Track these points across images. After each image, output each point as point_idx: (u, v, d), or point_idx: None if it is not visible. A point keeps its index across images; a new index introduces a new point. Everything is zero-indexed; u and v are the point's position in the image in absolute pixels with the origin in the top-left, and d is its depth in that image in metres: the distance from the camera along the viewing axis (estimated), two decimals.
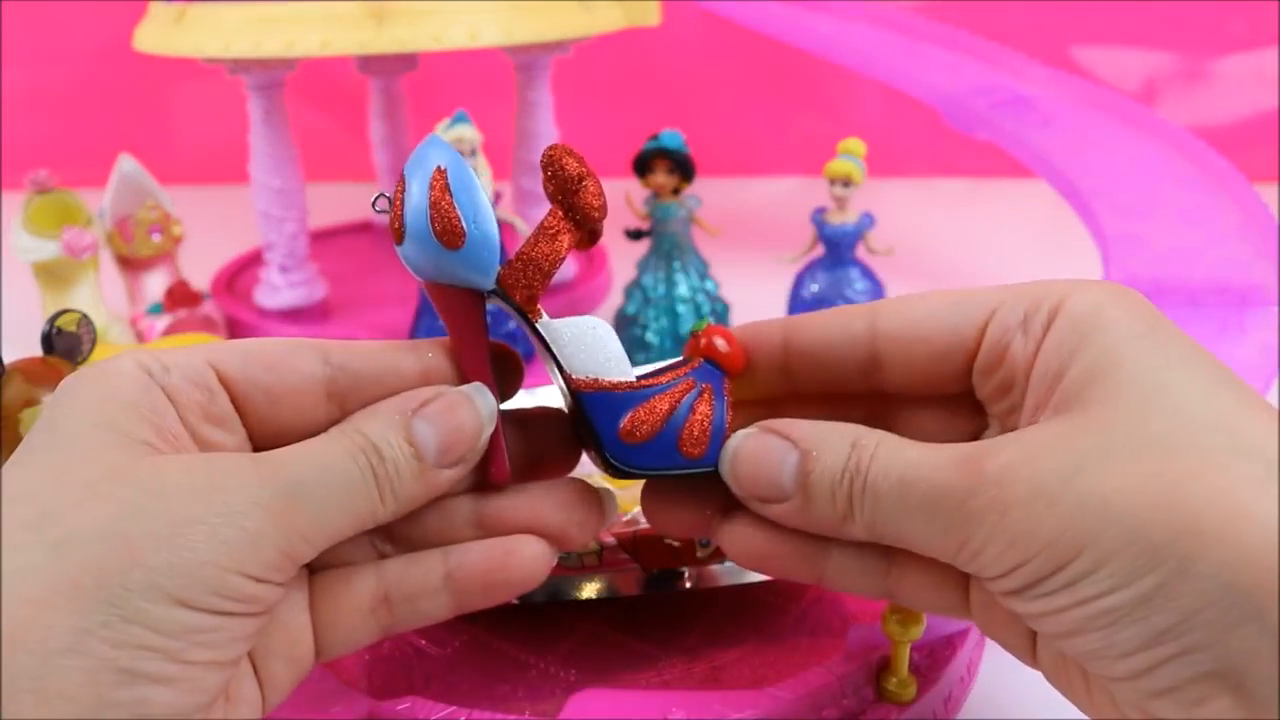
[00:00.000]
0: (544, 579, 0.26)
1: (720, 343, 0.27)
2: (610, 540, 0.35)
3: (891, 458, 0.23)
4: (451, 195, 0.24)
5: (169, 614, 0.20)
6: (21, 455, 0.22)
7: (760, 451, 0.24)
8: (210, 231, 0.80)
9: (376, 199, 0.25)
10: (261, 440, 0.25)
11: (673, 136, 0.62)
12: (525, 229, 0.67)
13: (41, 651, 0.19)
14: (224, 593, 0.21)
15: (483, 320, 0.25)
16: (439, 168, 0.24)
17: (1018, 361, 0.24)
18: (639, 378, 0.26)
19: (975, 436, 0.26)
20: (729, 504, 0.26)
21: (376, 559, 0.26)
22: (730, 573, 0.36)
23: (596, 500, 0.26)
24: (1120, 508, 0.20)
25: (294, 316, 0.71)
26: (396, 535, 0.26)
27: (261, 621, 0.22)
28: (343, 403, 0.25)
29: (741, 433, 0.25)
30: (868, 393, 0.27)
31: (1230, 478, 0.19)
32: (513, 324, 0.63)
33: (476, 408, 0.24)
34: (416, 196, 0.24)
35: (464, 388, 0.25)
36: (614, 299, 0.75)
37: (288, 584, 0.23)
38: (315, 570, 0.25)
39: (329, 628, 0.25)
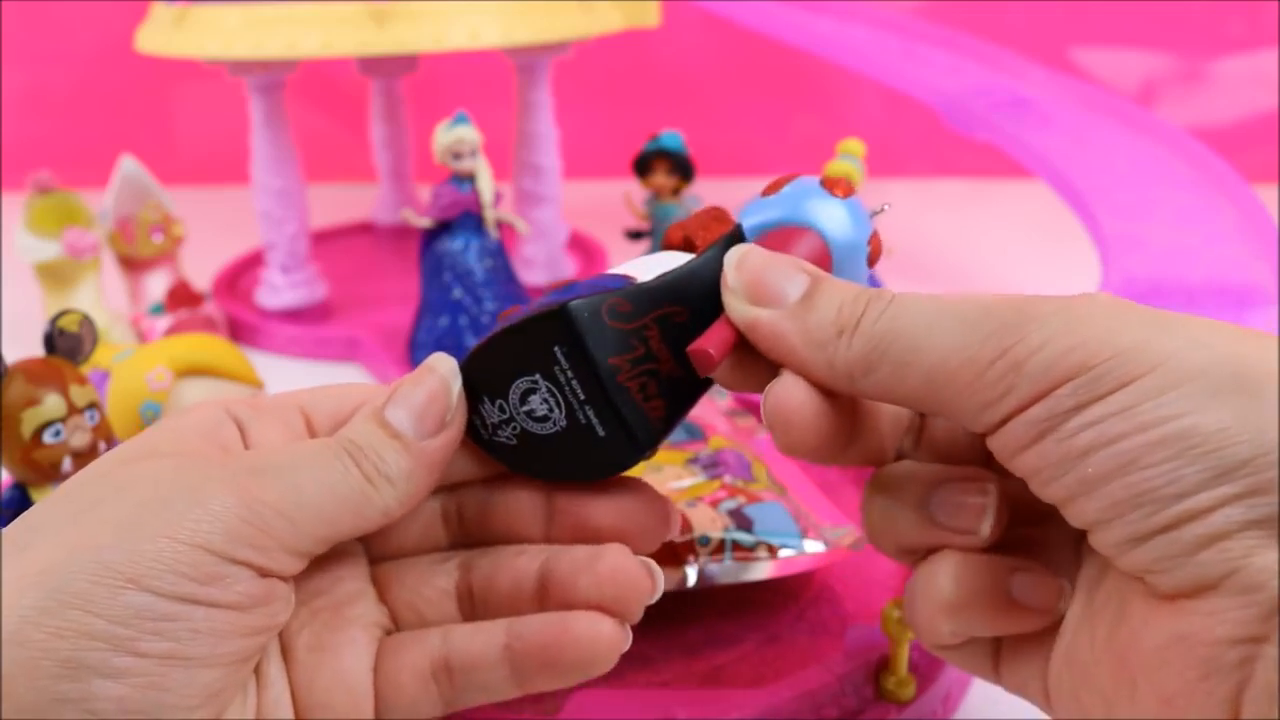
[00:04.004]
0: (612, 664, 0.23)
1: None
2: None
3: (901, 295, 0.21)
4: None
5: (116, 595, 0.19)
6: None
7: (773, 258, 0.23)
8: (211, 232, 0.81)
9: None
10: None
11: (672, 137, 0.62)
12: (526, 229, 0.67)
13: None
14: (176, 568, 0.19)
15: None
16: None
17: None
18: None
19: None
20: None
21: (453, 617, 0.25)
22: (730, 572, 0.36)
23: (664, 507, 0.25)
24: (1204, 336, 0.18)
25: (295, 316, 0.71)
26: (471, 534, 0.26)
27: (241, 618, 0.21)
28: None
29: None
30: None
31: None
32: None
33: (435, 369, 0.24)
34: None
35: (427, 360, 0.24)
36: None
37: (274, 576, 0.21)
38: (389, 631, 0.25)
39: (391, 688, 0.23)
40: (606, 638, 0.22)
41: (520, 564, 0.24)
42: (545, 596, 0.23)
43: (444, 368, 0.24)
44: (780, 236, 0.24)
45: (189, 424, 0.23)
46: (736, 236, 0.24)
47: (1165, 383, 0.18)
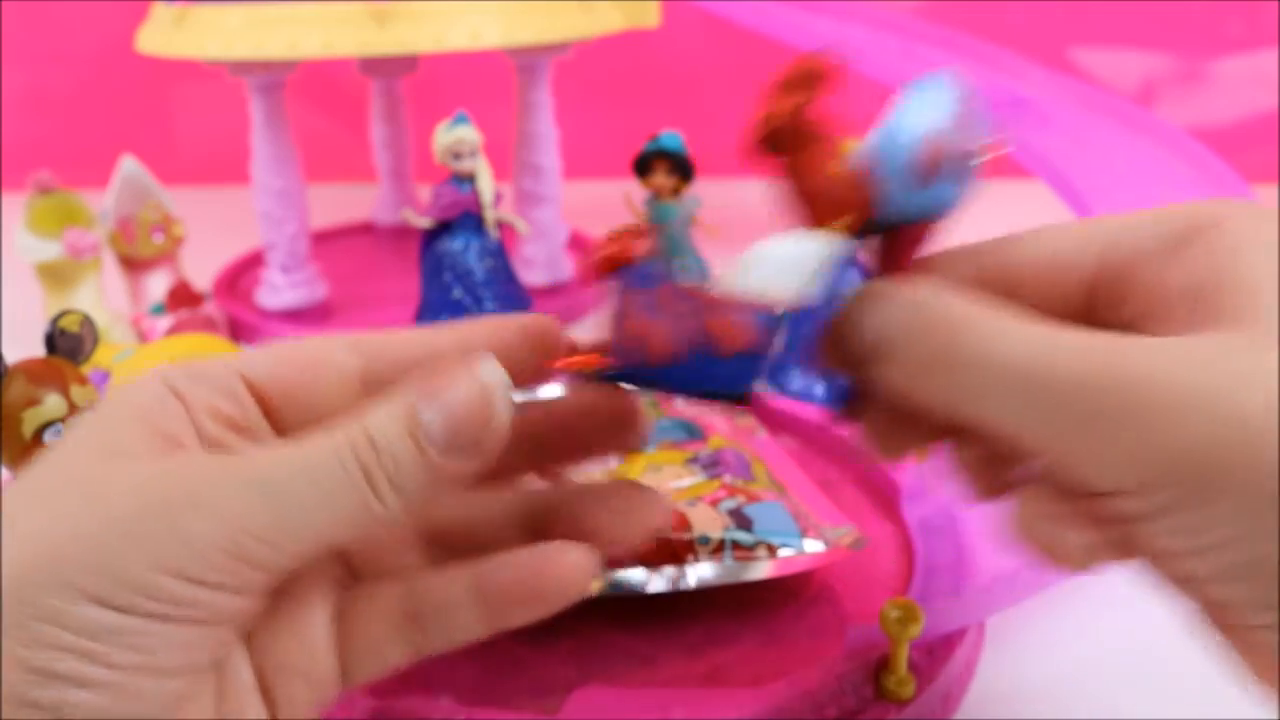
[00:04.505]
0: (586, 592, 0.23)
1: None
2: None
3: (991, 323, 0.21)
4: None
5: (84, 613, 0.19)
6: (19, 477, 0.21)
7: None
8: (212, 232, 0.80)
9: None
10: None
11: (672, 137, 0.62)
12: (526, 229, 0.67)
13: None
14: (149, 593, 0.19)
15: None
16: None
17: (1151, 274, 0.22)
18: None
19: None
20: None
21: (418, 564, 0.24)
22: (730, 572, 0.36)
23: (652, 499, 0.24)
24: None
25: (295, 317, 0.71)
26: (446, 541, 0.25)
27: (214, 631, 0.20)
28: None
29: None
30: None
31: None
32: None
33: (479, 376, 0.21)
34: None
35: (474, 363, 0.21)
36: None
37: (250, 593, 0.20)
38: (348, 585, 0.24)
39: (355, 644, 0.23)
40: (584, 565, 0.23)
41: (496, 502, 0.24)
42: (538, 532, 0.24)
43: (492, 376, 0.21)
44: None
45: (134, 406, 0.22)
46: (872, 226, 0.25)
47: (1232, 513, 0.18)
